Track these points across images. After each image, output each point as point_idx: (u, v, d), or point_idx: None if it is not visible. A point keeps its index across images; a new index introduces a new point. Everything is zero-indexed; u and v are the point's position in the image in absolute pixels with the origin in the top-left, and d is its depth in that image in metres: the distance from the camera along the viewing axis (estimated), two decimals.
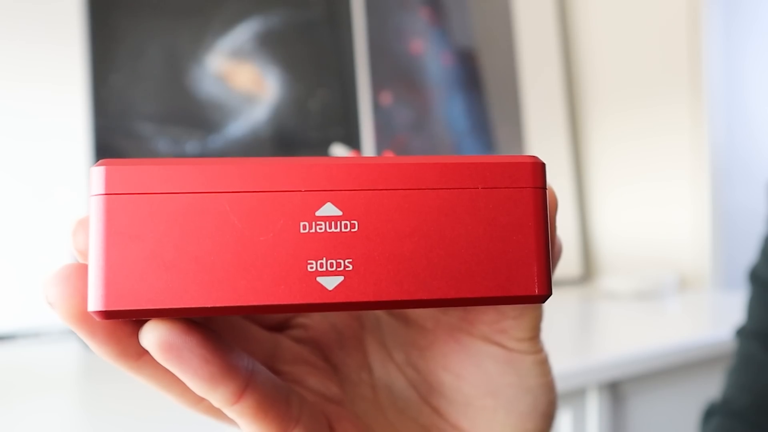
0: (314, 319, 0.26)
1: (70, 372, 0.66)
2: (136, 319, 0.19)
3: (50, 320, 0.82)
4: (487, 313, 0.24)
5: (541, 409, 0.25)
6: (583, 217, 1.38)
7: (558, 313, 0.96)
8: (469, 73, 1.26)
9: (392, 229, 0.19)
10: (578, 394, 0.67)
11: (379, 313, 0.27)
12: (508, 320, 0.24)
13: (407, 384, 0.26)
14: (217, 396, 0.20)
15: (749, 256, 1.34)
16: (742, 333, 0.49)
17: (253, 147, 1.00)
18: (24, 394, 0.54)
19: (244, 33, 1.02)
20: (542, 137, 1.34)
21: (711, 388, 0.83)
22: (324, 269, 0.19)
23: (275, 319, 0.26)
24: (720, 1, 1.20)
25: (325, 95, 1.08)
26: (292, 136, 1.04)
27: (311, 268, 0.19)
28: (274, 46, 1.04)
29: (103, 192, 0.19)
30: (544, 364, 0.26)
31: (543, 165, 0.20)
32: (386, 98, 1.15)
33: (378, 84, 1.14)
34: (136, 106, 0.93)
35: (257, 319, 0.25)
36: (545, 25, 1.37)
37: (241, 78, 1.02)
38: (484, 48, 1.29)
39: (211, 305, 0.18)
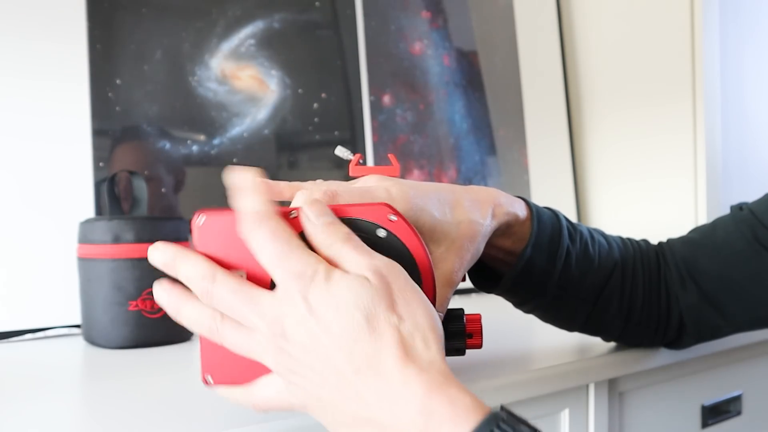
0: None
1: (73, 370, 0.66)
2: None
3: (53, 319, 0.83)
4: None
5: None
6: (582, 216, 1.39)
7: None
8: (470, 74, 1.27)
9: None
10: (579, 391, 0.68)
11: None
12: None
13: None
14: None
15: None
16: None
17: (255, 148, 1.01)
18: (27, 392, 0.55)
19: (247, 35, 1.03)
20: (542, 137, 1.34)
21: (708, 385, 0.84)
22: None
23: None
24: (717, 2, 1.20)
25: (327, 97, 1.09)
26: (295, 138, 1.05)
27: None
28: (277, 49, 1.05)
29: None
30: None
31: None
32: (387, 99, 1.15)
33: (379, 85, 1.15)
34: (139, 107, 0.93)
35: None
36: (545, 25, 1.38)
37: (244, 80, 1.02)
38: (484, 49, 1.30)
39: None
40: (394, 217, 0.41)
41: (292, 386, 0.39)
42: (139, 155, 0.93)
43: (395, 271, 0.39)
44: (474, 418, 0.34)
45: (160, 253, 0.40)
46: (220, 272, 0.39)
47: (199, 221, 0.41)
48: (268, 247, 0.38)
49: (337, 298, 0.37)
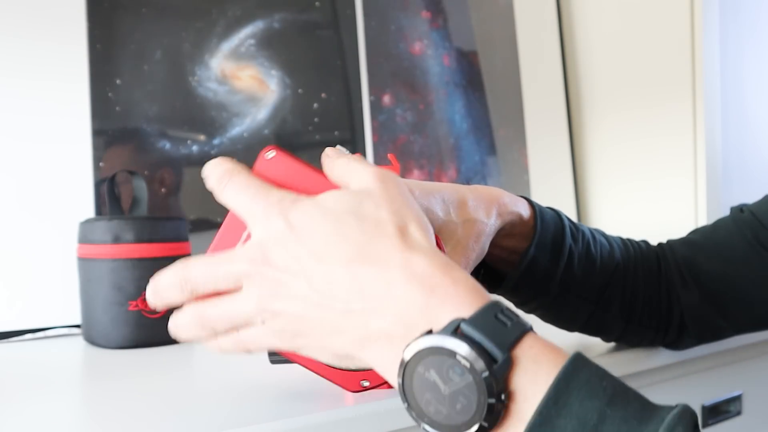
0: None
1: (73, 370, 0.66)
2: None
3: (53, 319, 0.83)
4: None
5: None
6: (582, 216, 1.39)
7: None
8: (470, 74, 1.27)
9: None
10: None
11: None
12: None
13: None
14: None
15: None
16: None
17: (255, 148, 1.01)
18: (27, 392, 0.55)
19: (247, 35, 1.03)
20: (542, 137, 1.34)
21: (708, 385, 0.84)
22: None
23: None
24: (717, 2, 1.20)
25: (327, 97, 1.09)
26: (295, 138, 1.05)
27: None
28: (277, 49, 1.05)
29: None
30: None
31: None
32: (387, 99, 1.15)
33: (379, 85, 1.15)
34: (139, 107, 0.93)
35: None
36: (545, 25, 1.38)
37: (244, 80, 1.02)
38: (484, 48, 1.30)
39: None
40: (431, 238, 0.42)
41: (279, 318, 0.38)
42: (139, 155, 0.93)
43: (394, 179, 0.39)
44: (477, 302, 0.33)
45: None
46: (190, 259, 0.40)
47: (268, 155, 0.42)
48: (242, 193, 0.39)
49: (323, 208, 0.37)
